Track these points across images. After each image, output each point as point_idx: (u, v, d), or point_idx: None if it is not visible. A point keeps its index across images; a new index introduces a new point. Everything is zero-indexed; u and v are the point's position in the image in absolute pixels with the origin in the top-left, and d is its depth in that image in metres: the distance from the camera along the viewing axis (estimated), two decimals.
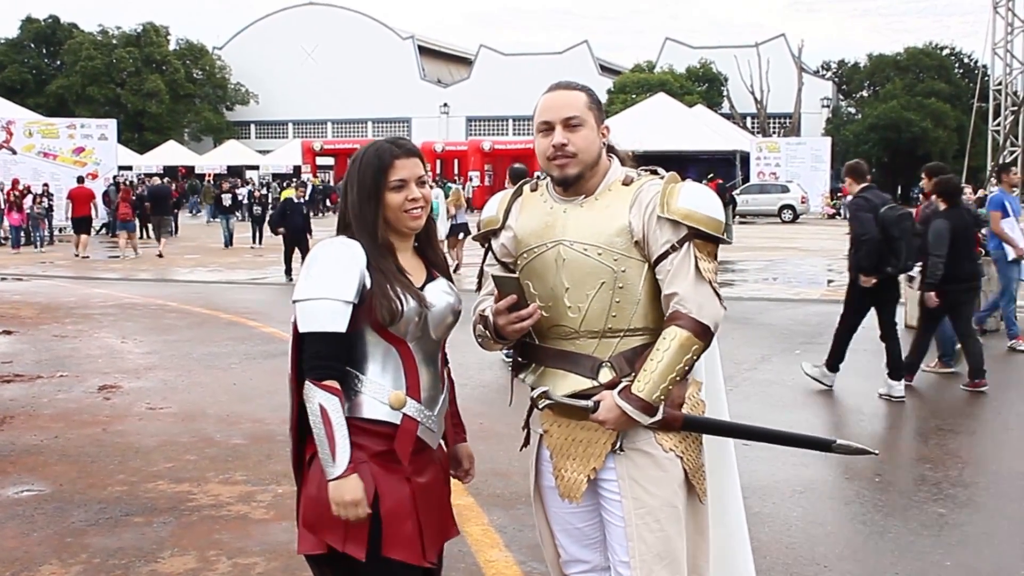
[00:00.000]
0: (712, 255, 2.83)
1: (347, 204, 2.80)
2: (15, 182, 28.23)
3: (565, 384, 2.85)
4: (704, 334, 2.75)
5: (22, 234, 26.34)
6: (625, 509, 2.82)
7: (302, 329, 2.70)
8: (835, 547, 5.04)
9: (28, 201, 26.78)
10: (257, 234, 26.88)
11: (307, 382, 2.66)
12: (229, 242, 26.42)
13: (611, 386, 2.78)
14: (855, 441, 2.99)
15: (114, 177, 31.34)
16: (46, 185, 28.08)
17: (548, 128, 2.85)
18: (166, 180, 42.17)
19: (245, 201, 34.02)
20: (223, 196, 27.67)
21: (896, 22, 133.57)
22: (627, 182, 2.89)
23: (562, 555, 3.07)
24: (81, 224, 24.49)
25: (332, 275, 2.69)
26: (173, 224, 29.45)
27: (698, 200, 2.81)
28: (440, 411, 2.87)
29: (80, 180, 26.98)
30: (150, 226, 28.28)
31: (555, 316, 2.88)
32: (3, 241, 25.94)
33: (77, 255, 23.69)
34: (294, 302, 2.72)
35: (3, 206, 27.15)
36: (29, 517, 5.41)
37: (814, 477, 6.07)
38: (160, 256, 23.38)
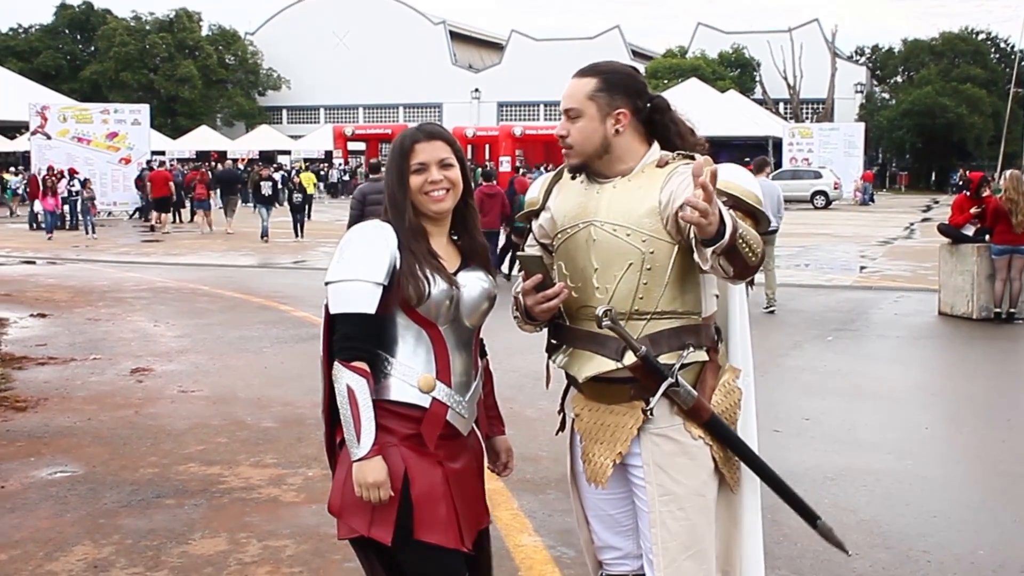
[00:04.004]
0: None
1: (387, 189, 2.85)
2: (51, 167, 28.50)
3: (591, 365, 2.82)
4: (751, 271, 2.62)
5: (56, 219, 26.48)
6: (649, 495, 2.79)
7: (333, 310, 2.72)
8: (866, 535, 5.00)
9: (63, 185, 27.09)
10: (298, 226, 24.25)
11: (336, 363, 2.67)
12: (265, 234, 23.81)
13: (636, 368, 2.74)
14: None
15: (147, 162, 31.55)
16: (72, 170, 28.37)
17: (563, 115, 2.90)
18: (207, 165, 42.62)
19: (279, 186, 32.42)
20: (262, 184, 24.84)
21: (937, 6, 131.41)
22: (661, 164, 2.85)
23: (595, 540, 3.04)
24: (161, 204, 27.42)
25: (363, 257, 2.72)
26: (237, 205, 28.97)
27: (736, 173, 2.80)
28: (472, 398, 2.86)
29: (161, 164, 30.93)
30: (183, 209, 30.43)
31: (584, 297, 2.86)
32: (44, 228, 26.06)
33: (162, 231, 26.62)
34: (326, 284, 2.76)
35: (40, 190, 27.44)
36: (62, 498, 5.47)
37: (845, 464, 6.02)
38: (229, 233, 25.77)
